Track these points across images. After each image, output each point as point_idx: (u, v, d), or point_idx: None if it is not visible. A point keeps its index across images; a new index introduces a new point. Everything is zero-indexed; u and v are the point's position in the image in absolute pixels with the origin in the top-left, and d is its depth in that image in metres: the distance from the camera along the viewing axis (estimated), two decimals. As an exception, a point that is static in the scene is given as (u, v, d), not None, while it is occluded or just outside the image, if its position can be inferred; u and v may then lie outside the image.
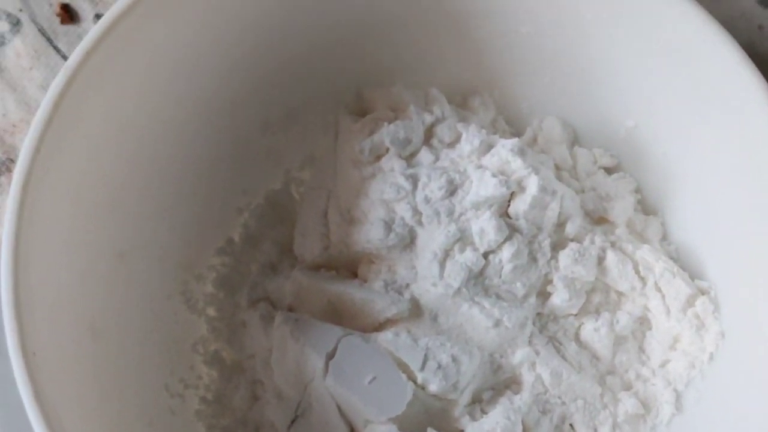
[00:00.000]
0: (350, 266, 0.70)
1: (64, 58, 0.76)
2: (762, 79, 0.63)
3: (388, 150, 0.69)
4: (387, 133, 0.68)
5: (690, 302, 0.68)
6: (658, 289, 0.68)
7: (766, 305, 0.64)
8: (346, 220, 0.68)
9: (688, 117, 0.68)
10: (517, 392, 0.67)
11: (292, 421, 0.65)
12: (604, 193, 0.72)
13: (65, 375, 0.59)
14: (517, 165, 0.67)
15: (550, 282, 0.68)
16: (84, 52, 0.59)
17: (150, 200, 0.67)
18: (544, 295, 0.68)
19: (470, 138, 0.68)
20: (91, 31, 0.60)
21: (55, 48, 0.77)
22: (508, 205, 0.68)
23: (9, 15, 0.77)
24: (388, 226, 0.66)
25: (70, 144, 0.60)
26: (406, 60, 0.72)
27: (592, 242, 0.69)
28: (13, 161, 0.75)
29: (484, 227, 0.66)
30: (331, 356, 0.64)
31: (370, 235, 0.67)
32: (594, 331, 0.68)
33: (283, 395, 0.66)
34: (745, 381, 0.65)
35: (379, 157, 0.69)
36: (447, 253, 0.66)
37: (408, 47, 0.72)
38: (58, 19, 0.78)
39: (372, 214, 0.67)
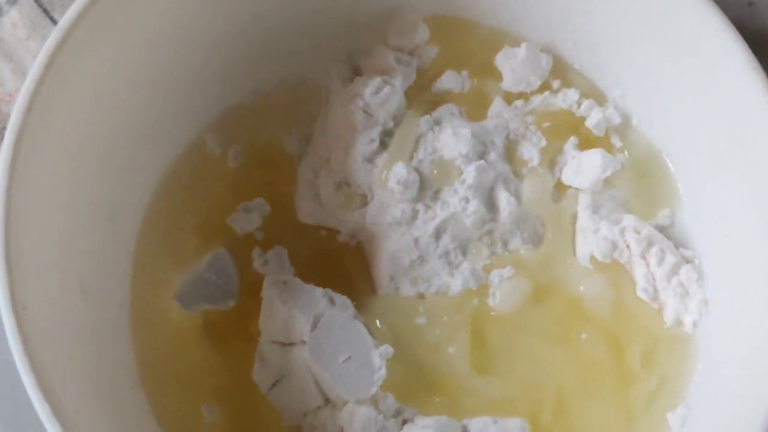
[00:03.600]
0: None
1: (60, 29, 0.77)
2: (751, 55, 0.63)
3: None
4: (371, 86, 0.70)
5: (674, 270, 0.68)
6: (643, 257, 0.69)
7: (748, 273, 0.65)
8: (335, 184, 0.70)
9: (677, 93, 0.69)
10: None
11: (273, 384, 0.66)
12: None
13: (55, 331, 0.59)
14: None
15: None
16: (77, 13, 0.61)
17: (138, 163, 0.68)
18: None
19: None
20: (84, -7, 0.61)
21: (51, 19, 0.78)
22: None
23: (5, -14, 0.79)
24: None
25: (61, 105, 0.61)
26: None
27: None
28: (7, 129, 0.76)
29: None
30: (318, 319, 0.66)
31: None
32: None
33: (266, 359, 0.67)
34: (728, 347, 0.66)
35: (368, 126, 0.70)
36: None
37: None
38: (54, -9, 0.79)
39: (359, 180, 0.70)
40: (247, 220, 0.71)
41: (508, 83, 0.73)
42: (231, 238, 0.71)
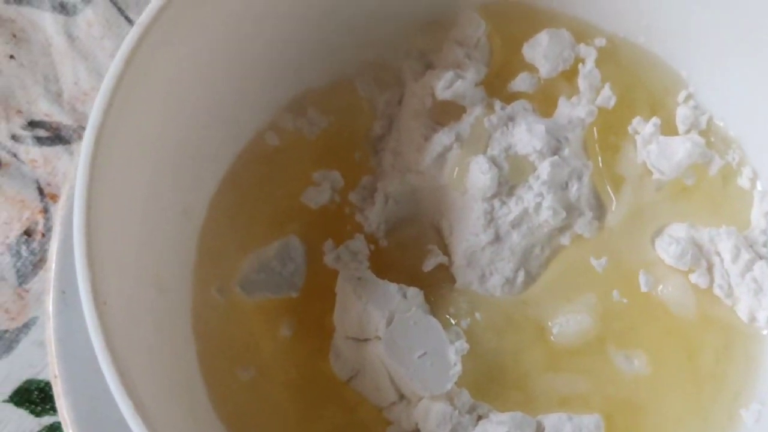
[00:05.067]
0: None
1: (135, 27, 0.78)
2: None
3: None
4: (443, 80, 0.70)
5: (748, 267, 0.68)
6: (717, 254, 0.68)
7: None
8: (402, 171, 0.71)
9: (753, 88, 0.69)
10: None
11: (348, 380, 0.67)
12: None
13: (133, 325, 0.60)
14: None
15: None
16: (156, 10, 0.61)
17: (212, 154, 0.69)
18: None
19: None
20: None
21: (126, 18, 0.79)
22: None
23: (80, -15, 0.80)
24: None
25: (139, 101, 0.61)
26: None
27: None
28: (84, 128, 0.76)
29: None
30: (393, 315, 0.66)
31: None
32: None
33: (340, 355, 0.67)
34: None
35: (440, 121, 0.71)
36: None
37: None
38: (128, -10, 0.80)
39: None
40: (320, 192, 0.71)
41: (546, 70, 0.73)
42: (304, 223, 0.71)
